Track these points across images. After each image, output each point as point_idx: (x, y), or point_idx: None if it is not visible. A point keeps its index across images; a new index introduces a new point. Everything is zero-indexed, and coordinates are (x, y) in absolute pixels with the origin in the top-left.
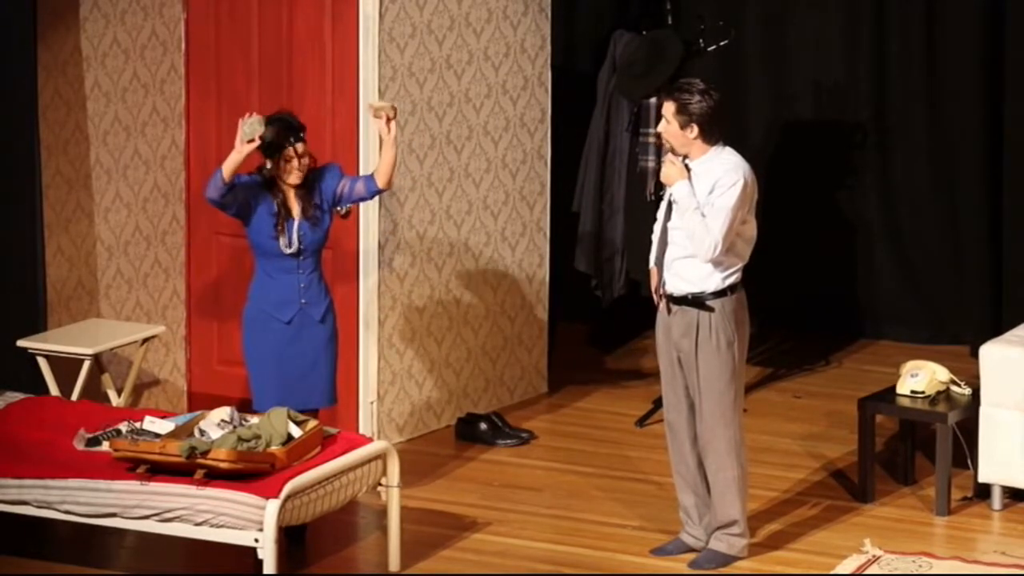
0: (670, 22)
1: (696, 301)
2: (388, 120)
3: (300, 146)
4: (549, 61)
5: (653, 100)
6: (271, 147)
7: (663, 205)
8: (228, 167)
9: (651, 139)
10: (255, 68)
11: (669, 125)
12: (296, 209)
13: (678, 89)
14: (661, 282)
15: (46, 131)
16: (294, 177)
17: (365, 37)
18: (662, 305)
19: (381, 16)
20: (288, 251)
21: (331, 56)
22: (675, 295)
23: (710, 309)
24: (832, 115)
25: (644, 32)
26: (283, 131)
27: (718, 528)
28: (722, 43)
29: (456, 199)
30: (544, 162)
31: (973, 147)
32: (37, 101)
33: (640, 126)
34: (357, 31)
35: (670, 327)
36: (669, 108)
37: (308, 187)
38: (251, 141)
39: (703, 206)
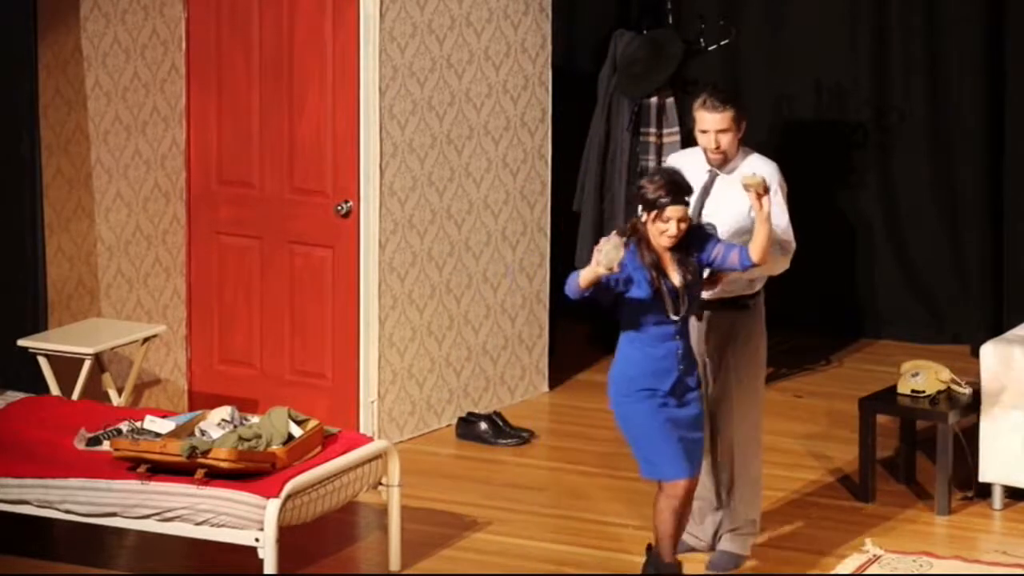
0: (671, 21)
1: (734, 303)
2: (759, 196)
3: (681, 209)
4: (550, 61)
5: (653, 100)
6: (650, 202)
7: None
8: (584, 279)
9: (651, 139)
10: (256, 67)
11: (725, 134)
12: (675, 274)
13: (719, 96)
14: None
15: (47, 130)
16: (665, 240)
17: (365, 36)
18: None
19: (382, 15)
20: (675, 317)
21: (331, 55)
22: (713, 300)
23: (747, 308)
24: (832, 115)
25: (645, 31)
26: (667, 191)
27: (734, 529)
28: (722, 43)
29: (457, 198)
30: (545, 162)
31: (973, 147)
32: (38, 101)
33: (640, 125)
34: (357, 30)
35: (702, 333)
36: (726, 117)
37: (684, 250)
38: (610, 269)
39: (752, 216)
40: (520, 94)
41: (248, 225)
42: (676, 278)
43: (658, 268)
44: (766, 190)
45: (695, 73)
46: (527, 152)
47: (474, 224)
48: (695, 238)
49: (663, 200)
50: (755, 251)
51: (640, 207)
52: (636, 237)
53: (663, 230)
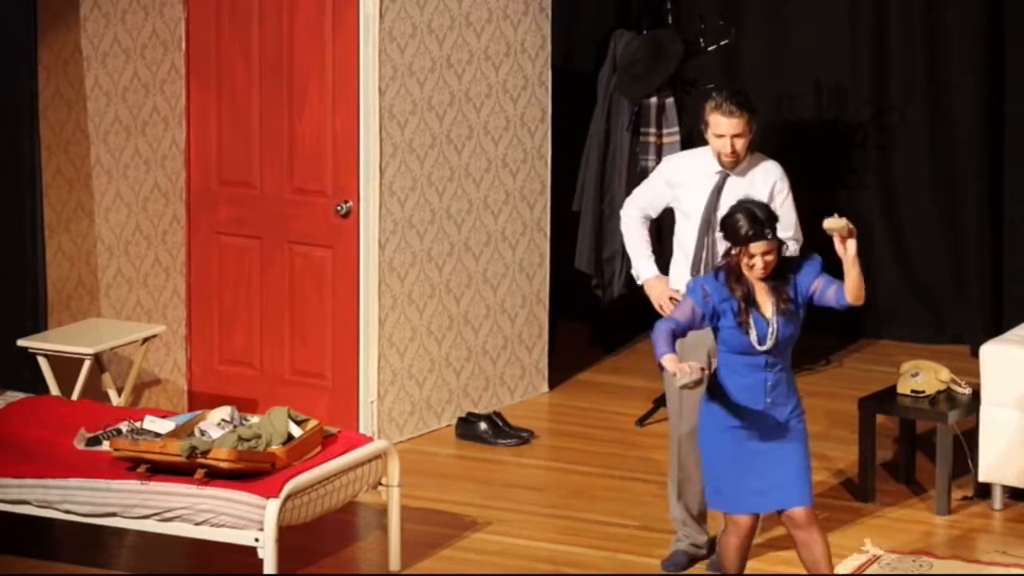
0: (670, 22)
1: None
2: (843, 240)
3: (762, 244)
4: (549, 61)
5: (653, 100)
6: (732, 238)
7: (680, 216)
8: (663, 362)
9: (651, 139)
10: (256, 68)
11: (740, 138)
12: (768, 303)
13: (736, 100)
14: None
15: (46, 131)
16: (756, 273)
17: (365, 37)
18: None
19: (381, 15)
20: (761, 348)
21: (331, 56)
22: None
23: None
24: (832, 115)
25: (644, 31)
26: (746, 226)
27: None
28: (722, 43)
29: (456, 199)
30: (544, 162)
31: (973, 146)
32: (37, 101)
33: (640, 126)
34: (357, 31)
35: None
36: (742, 122)
37: (782, 277)
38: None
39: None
40: (520, 94)
41: (248, 225)
42: (768, 308)
43: (748, 299)
44: (851, 233)
45: (695, 73)
46: (527, 152)
47: (474, 224)
48: (798, 269)
49: (742, 237)
50: (849, 294)
51: (727, 240)
52: (727, 267)
53: (750, 265)
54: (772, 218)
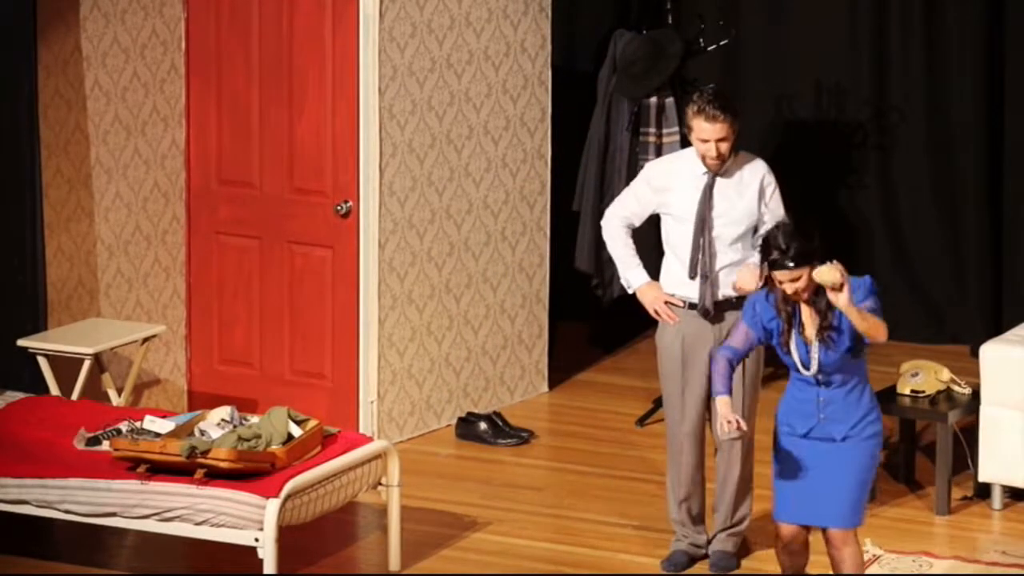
0: (670, 21)
1: (740, 303)
2: (833, 290)
3: (786, 274)
4: (549, 60)
5: (653, 100)
6: (763, 259)
7: (670, 221)
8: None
9: (651, 139)
10: (255, 67)
11: (725, 141)
12: (812, 326)
13: (717, 104)
14: (705, 292)
15: (46, 130)
16: (793, 297)
17: (365, 36)
18: (693, 315)
19: (381, 15)
20: (806, 373)
21: (331, 56)
22: (726, 299)
23: None
24: (832, 115)
25: (644, 31)
26: (771, 254)
27: (731, 527)
28: (722, 43)
29: (456, 198)
30: (544, 161)
31: (973, 147)
32: (37, 100)
33: (640, 125)
34: (357, 30)
35: (716, 333)
36: (725, 126)
37: (826, 301)
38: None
39: (763, 211)
40: (520, 94)
41: (248, 225)
42: (809, 330)
43: (791, 321)
44: (838, 285)
45: (695, 73)
46: (527, 152)
47: (474, 224)
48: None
49: (768, 264)
50: (866, 335)
51: (763, 260)
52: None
53: (781, 289)
54: (796, 247)
